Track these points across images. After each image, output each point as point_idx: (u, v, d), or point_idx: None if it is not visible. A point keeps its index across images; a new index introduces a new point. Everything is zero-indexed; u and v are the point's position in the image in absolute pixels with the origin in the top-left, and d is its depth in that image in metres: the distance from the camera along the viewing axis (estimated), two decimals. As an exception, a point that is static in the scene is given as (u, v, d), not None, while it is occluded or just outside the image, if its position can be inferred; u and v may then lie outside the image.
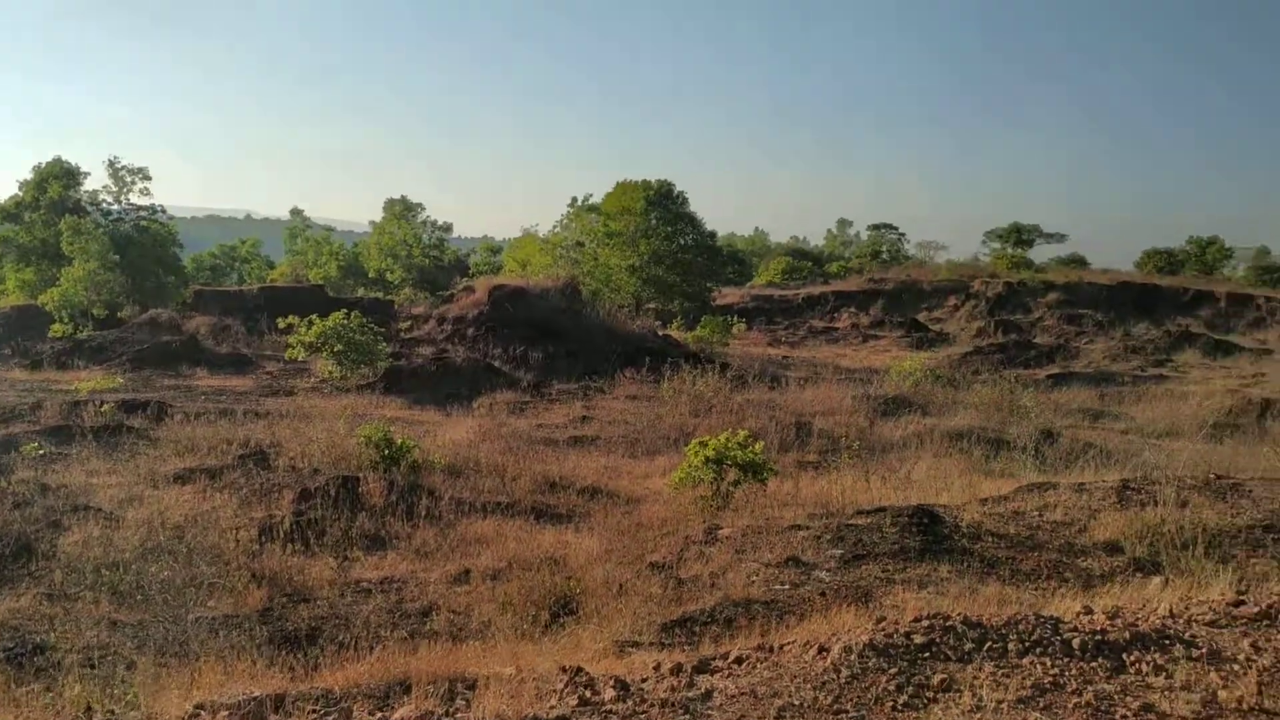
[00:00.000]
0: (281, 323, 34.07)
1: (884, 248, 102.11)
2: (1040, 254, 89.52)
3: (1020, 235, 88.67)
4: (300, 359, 32.37)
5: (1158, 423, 29.60)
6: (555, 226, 58.64)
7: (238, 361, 34.80)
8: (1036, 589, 10.49)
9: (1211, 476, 15.61)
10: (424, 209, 72.98)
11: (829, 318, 62.48)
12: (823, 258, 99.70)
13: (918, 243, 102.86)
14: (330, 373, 30.66)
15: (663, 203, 53.81)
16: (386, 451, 17.17)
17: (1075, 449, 22.05)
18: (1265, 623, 6.04)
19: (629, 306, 49.09)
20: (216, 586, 11.60)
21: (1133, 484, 15.13)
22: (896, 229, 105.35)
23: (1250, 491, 14.74)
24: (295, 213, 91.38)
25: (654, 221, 53.33)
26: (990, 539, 12.91)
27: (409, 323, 43.66)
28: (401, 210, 71.84)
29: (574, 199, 58.00)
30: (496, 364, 32.53)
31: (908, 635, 5.16)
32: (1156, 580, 10.38)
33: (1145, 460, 20.69)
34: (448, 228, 75.73)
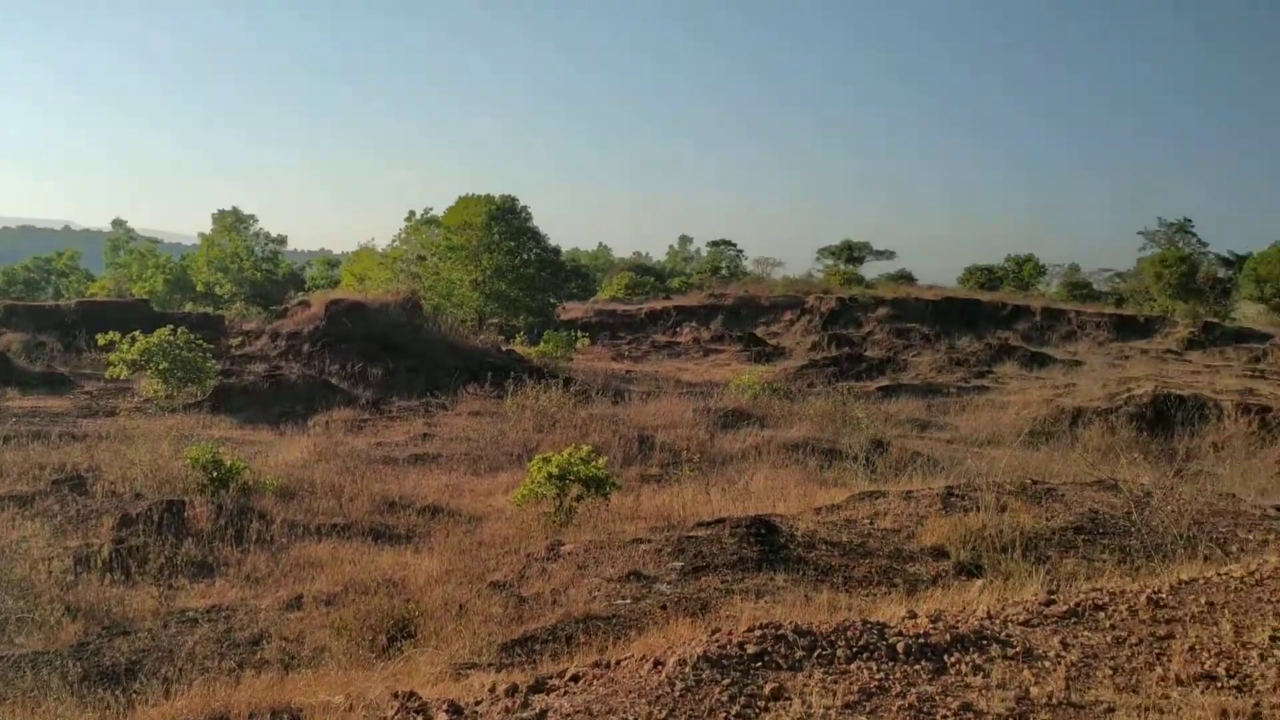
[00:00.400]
0: (102, 339, 32.20)
1: (723, 264, 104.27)
2: (871, 270, 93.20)
3: (852, 252, 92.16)
4: (123, 378, 30.67)
5: (980, 432, 31.12)
6: (394, 240, 57.49)
7: (53, 381, 32.70)
8: (867, 595, 10.82)
9: (1028, 482, 16.50)
10: (256, 221, 70.49)
11: (671, 332, 63.26)
12: (665, 273, 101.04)
13: (755, 259, 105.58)
14: (155, 392, 29.16)
15: (506, 217, 53.46)
16: (215, 474, 16.45)
17: (904, 458, 22.93)
18: (1073, 620, 6.39)
19: (472, 321, 48.56)
20: (26, 622, 10.84)
21: (957, 491, 15.84)
22: (735, 245, 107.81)
23: (1063, 495, 15.61)
24: (118, 224, 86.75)
25: (497, 236, 52.92)
26: (824, 547, 13.27)
27: (240, 339, 41.97)
28: (232, 222, 69.13)
29: (411, 213, 57.02)
30: (334, 381, 31.62)
31: (741, 645, 5.24)
32: (979, 582, 10.83)
33: (968, 468, 21.71)
34: (282, 240, 73.30)
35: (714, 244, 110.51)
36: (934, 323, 63.14)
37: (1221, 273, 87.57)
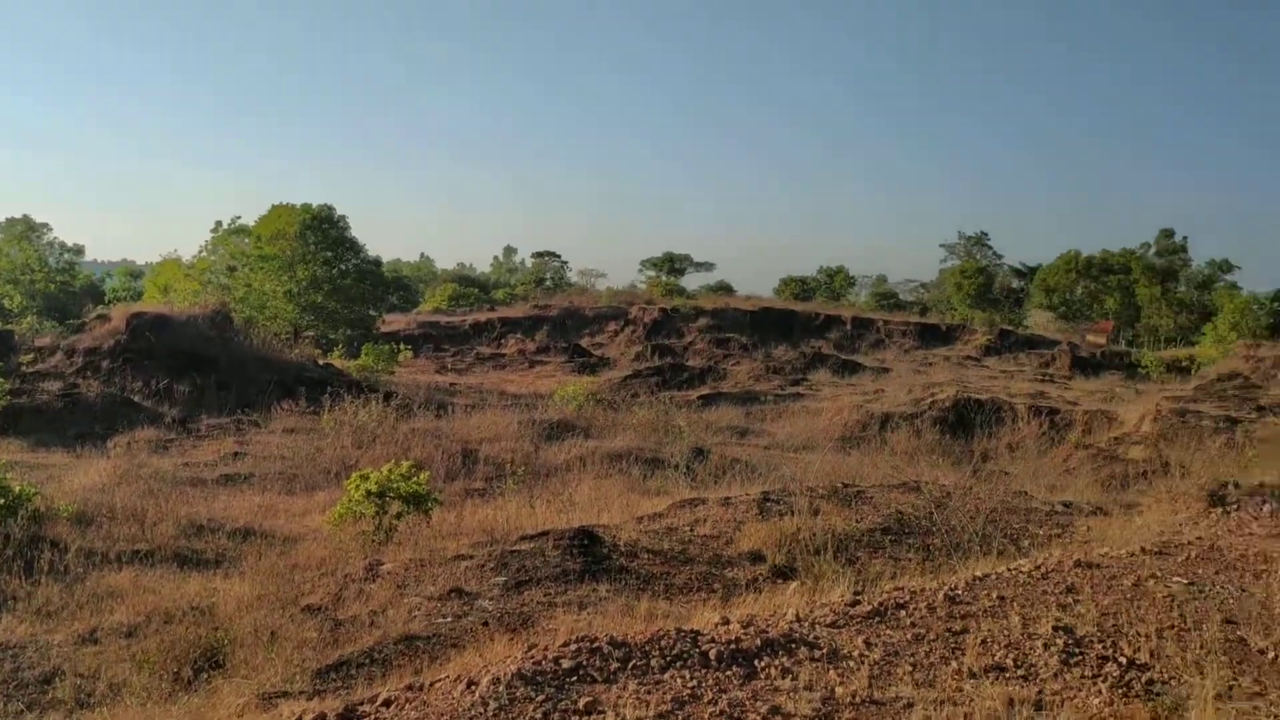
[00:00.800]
0: None
1: (548, 275, 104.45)
2: (692, 281, 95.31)
3: (673, 264, 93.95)
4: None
5: (796, 437, 32.17)
6: (201, 250, 54.93)
7: None
8: (688, 602, 10.99)
9: (839, 485, 17.16)
10: (50, 229, 66.13)
11: (496, 344, 62.82)
12: (489, 284, 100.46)
13: (580, 270, 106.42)
14: (-69, 414, 26.88)
15: (322, 227, 51.85)
16: (1, 501, 15.28)
17: (724, 464, 23.47)
18: (877, 619, 6.68)
19: (287, 335, 46.87)
20: None
21: (773, 496, 16.32)
22: (559, 256, 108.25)
23: (872, 498, 16.30)
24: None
25: (313, 246, 51.26)
26: (647, 556, 13.42)
27: (32, 355, 39.13)
28: (23, 230, 64.64)
29: (218, 223, 54.64)
30: (136, 399, 29.91)
31: (556, 661, 5.24)
32: (793, 585, 11.13)
33: (784, 473, 22.41)
34: (79, 250, 69.06)
35: (538, 255, 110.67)
36: (752, 332, 64.95)
37: (1015, 283, 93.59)
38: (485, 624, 10.41)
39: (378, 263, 58.49)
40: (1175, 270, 78.18)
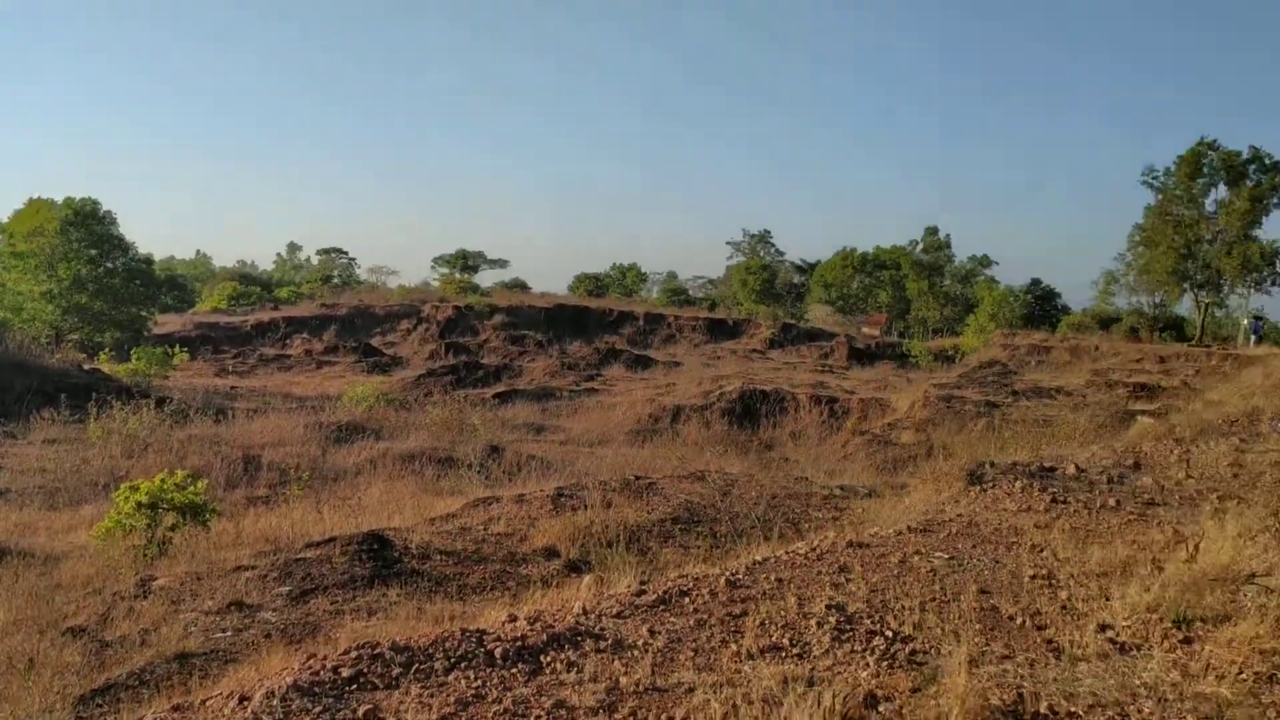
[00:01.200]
0: None
1: (335, 272, 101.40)
2: (486, 278, 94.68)
3: (467, 261, 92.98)
4: None
5: (591, 432, 32.51)
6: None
7: None
8: (481, 601, 10.93)
9: (632, 478, 17.45)
10: None
11: (281, 345, 60.47)
12: (272, 283, 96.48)
13: (369, 267, 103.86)
14: None
15: (85, 223, 48.36)
16: None
17: (520, 462, 23.45)
18: (661, 608, 6.85)
19: (47, 339, 43.55)
20: None
21: (566, 491, 16.44)
22: (347, 253, 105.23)
23: (662, 489, 16.66)
24: None
25: (75, 243, 47.75)
26: (439, 557, 13.25)
27: None
28: None
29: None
30: None
31: (336, 670, 5.11)
32: (587, 579, 11.23)
33: (579, 468, 22.63)
34: None
35: (325, 252, 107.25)
36: (547, 329, 65.19)
37: (796, 279, 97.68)
38: (268, 636, 10.02)
39: (149, 261, 55.09)
40: (940, 265, 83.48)
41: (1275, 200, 52.73)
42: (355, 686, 4.97)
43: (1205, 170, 53.50)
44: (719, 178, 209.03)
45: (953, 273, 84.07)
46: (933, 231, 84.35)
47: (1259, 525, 9.30)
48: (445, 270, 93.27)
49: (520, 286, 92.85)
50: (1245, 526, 9.13)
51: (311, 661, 5.20)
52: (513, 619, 6.30)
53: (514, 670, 5.39)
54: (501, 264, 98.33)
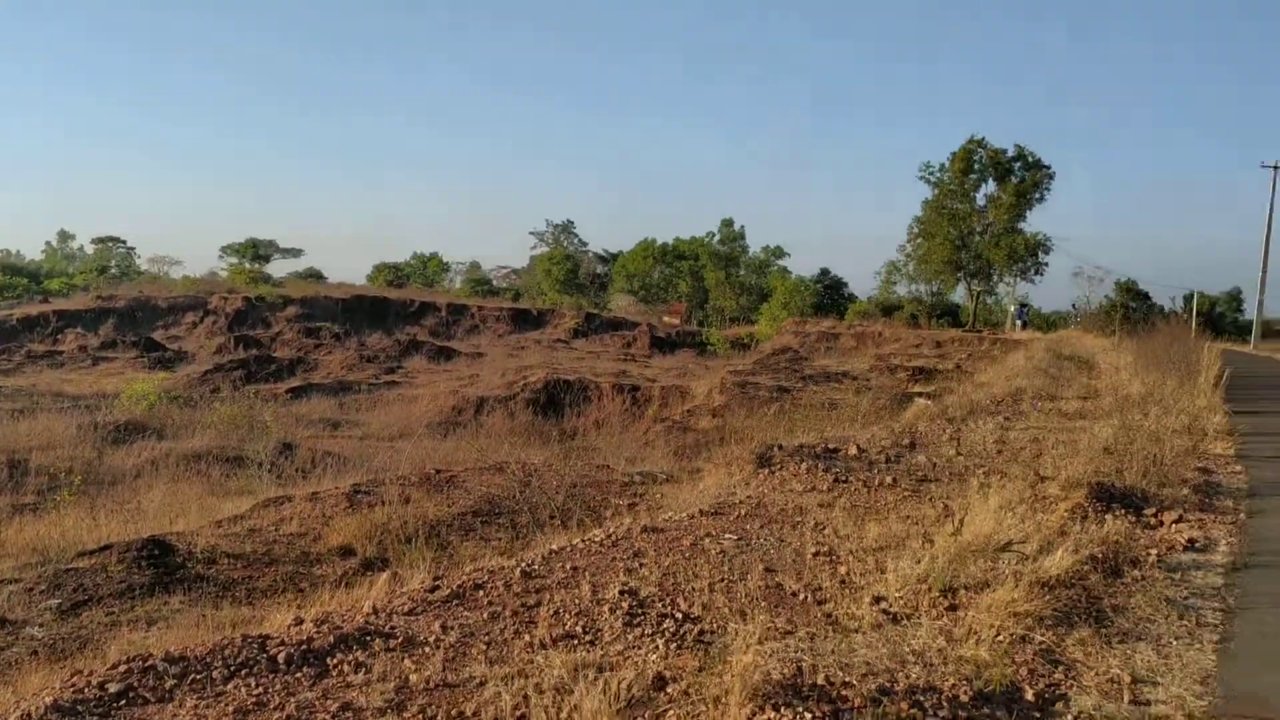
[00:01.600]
0: None
1: (113, 262, 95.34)
2: (279, 268, 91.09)
3: (257, 250, 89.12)
4: None
5: (391, 426, 31.88)
6: None
7: None
8: (271, 605, 10.55)
9: (432, 471, 17.22)
10: None
11: (52, 340, 56.40)
12: (41, 273, 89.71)
13: (150, 257, 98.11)
14: None
15: None
16: None
17: (315, 459, 22.74)
18: (455, 602, 6.80)
19: None
20: None
21: (363, 487, 16.07)
22: (125, 242, 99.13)
23: (464, 482, 16.51)
24: None
25: None
26: (227, 561, 12.72)
27: None
28: None
29: None
30: None
31: (103, 685, 4.82)
32: (384, 576, 11.03)
33: (378, 463, 22.14)
34: None
35: (100, 241, 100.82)
36: (345, 320, 63.39)
37: (599, 269, 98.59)
38: (33, 654, 9.35)
39: (-107, 250, 50.22)
40: (736, 256, 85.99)
41: (1037, 195, 57.04)
42: (124, 702, 4.71)
43: (976, 167, 57.27)
44: (520, 167, 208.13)
45: (748, 263, 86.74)
46: (729, 223, 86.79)
47: (1017, 497, 10.06)
48: (234, 260, 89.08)
49: (316, 276, 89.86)
50: (1006, 499, 9.84)
51: (76, 678, 4.89)
52: (299, 622, 6.12)
53: (299, 675, 5.24)
54: (295, 253, 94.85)
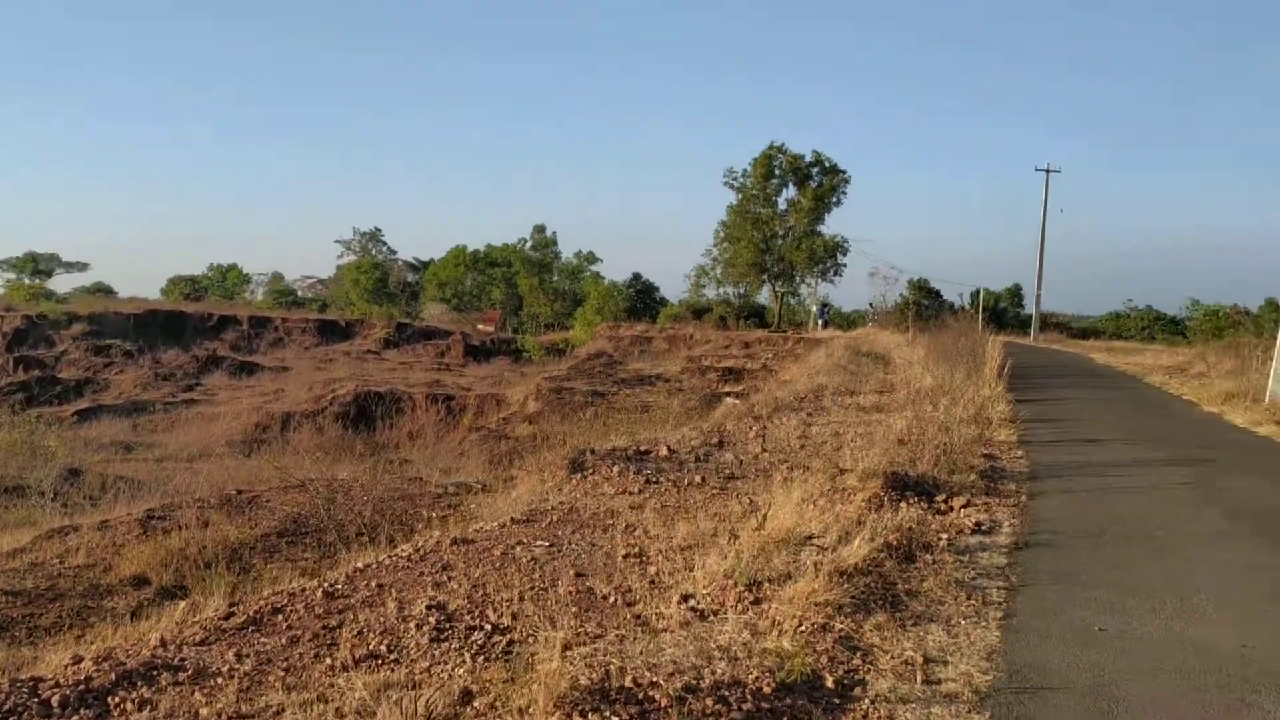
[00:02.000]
0: None
1: None
2: (63, 284, 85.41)
3: (38, 265, 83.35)
4: None
5: (190, 446, 30.37)
6: None
7: None
8: (55, 644, 9.86)
9: (233, 492, 16.49)
10: None
11: None
12: None
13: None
14: None
15: None
16: None
17: (106, 484, 21.43)
18: (252, 628, 6.52)
19: None
20: None
21: (158, 513, 15.23)
22: None
23: (268, 502, 15.88)
24: None
25: None
26: (4, 599, 11.82)
27: None
28: None
29: None
30: None
31: None
32: (182, 605, 10.48)
33: (174, 486, 21.03)
34: None
35: None
36: (137, 337, 59.95)
37: (410, 277, 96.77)
38: None
39: None
40: (549, 262, 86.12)
41: (835, 199, 59.53)
42: None
43: (776, 172, 59.29)
44: (324, 173, 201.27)
45: (561, 269, 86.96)
46: (541, 229, 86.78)
47: (818, 490, 10.45)
48: (11, 275, 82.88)
49: (105, 291, 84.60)
50: (808, 492, 10.21)
51: None
52: (77, 660, 5.72)
53: (76, 717, 4.91)
54: (81, 267, 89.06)
